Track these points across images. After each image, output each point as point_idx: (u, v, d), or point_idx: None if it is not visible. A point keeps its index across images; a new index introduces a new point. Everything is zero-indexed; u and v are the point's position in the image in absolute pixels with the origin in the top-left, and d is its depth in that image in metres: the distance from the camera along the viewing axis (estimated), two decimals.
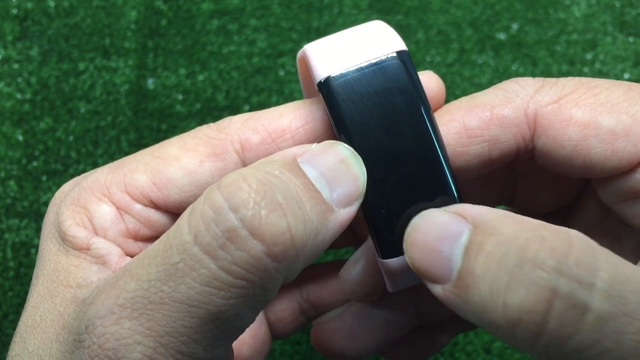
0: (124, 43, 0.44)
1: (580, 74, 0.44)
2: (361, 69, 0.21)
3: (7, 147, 0.42)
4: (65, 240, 0.22)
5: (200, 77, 0.43)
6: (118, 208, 0.23)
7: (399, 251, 0.21)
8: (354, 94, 0.21)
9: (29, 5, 0.45)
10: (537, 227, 0.18)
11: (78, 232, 0.22)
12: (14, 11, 0.45)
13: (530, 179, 0.26)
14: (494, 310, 0.18)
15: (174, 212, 0.23)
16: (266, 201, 0.18)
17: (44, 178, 0.41)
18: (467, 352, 0.39)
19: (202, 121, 0.42)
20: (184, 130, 0.42)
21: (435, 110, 0.23)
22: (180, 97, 0.43)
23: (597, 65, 0.44)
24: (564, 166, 0.22)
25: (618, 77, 0.44)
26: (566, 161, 0.22)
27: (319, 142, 0.22)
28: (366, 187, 0.21)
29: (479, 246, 0.19)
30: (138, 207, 0.23)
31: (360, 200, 0.21)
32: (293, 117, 0.23)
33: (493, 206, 0.27)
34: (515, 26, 0.45)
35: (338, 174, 0.20)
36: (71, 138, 0.42)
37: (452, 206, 0.21)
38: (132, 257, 0.23)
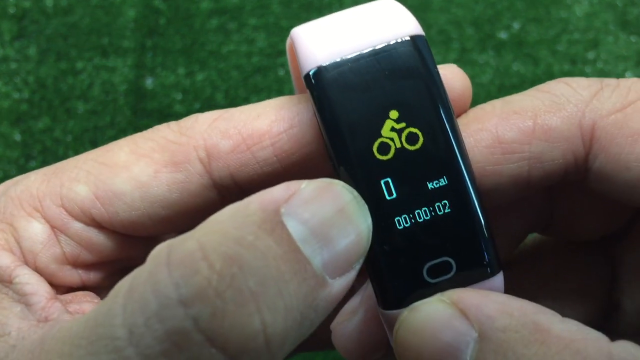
0: (123, 42, 0.44)
1: (582, 73, 0.43)
2: (362, 57, 0.16)
3: (5, 147, 0.41)
4: None
5: (200, 77, 0.43)
6: (52, 226, 0.18)
7: (405, 301, 0.17)
8: (352, 91, 0.16)
9: (27, 4, 0.44)
10: (568, 345, 0.14)
11: (1, 258, 0.18)
12: (12, 10, 0.44)
13: (573, 201, 0.21)
14: None
15: (121, 233, 0.19)
16: (233, 291, 0.13)
17: None
18: None
19: None
20: None
21: (459, 115, 0.18)
22: (179, 96, 0.43)
23: (599, 65, 0.44)
24: (626, 193, 0.17)
25: (620, 76, 0.43)
26: (630, 187, 0.17)
27: (307, 151, 0.18)
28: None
29: None
30: (77, 225, 0.18)
31: (362, 261, 0.16)
32: (274, 118, 0.18)
33: (524, 236, 0.22)
34: (516, 25, 0.45)
35: (335, 229, 0.15)
36: (69, 138, 0.42)
37: (450, 293, 0.16)
38: (70, 289, 0.19)
